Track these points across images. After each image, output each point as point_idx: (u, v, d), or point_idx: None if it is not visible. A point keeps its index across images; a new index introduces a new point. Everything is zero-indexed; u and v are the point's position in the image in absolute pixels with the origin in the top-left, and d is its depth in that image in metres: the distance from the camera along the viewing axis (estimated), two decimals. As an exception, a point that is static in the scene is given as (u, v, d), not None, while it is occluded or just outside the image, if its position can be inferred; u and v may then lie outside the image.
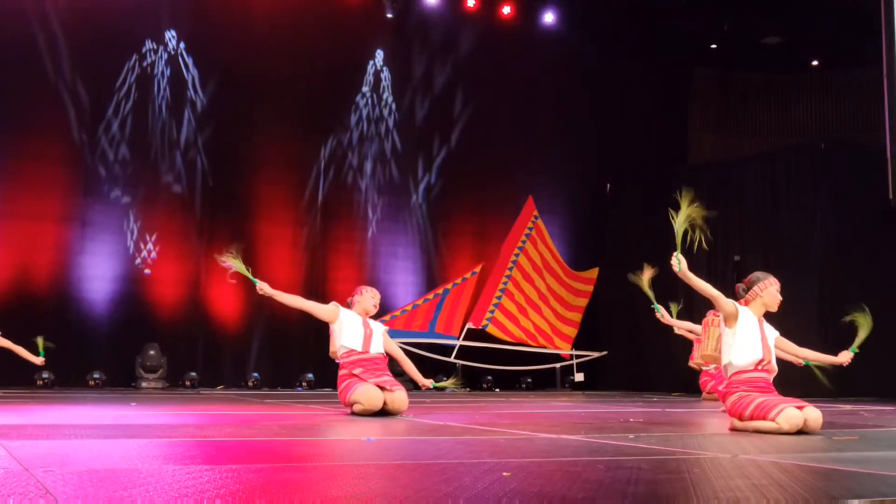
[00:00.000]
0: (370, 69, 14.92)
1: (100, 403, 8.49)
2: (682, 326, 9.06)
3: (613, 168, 15.97)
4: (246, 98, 13.89)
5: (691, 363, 10.85)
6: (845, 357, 6.35)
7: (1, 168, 12.55)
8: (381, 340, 7.11)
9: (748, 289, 5.92)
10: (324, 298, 12.53)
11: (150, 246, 13.25)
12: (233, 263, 6.73)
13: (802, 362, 6.59)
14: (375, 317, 7.35)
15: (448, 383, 7.30)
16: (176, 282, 13.33)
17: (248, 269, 6.77)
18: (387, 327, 7.43)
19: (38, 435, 4.76)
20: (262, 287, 6.73)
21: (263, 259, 13.72)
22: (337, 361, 7.06)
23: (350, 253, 14.55)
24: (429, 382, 7.21)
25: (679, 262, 5.42)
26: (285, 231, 14.09)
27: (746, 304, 5.87)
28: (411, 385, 10.42)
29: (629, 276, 7.84)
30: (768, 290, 5.86)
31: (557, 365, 15.03)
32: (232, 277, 6.89)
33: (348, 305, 7.18)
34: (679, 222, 5.39)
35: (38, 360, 9.18)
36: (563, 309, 15.30)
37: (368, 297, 7.15)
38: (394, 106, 15.01)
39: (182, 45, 13.70)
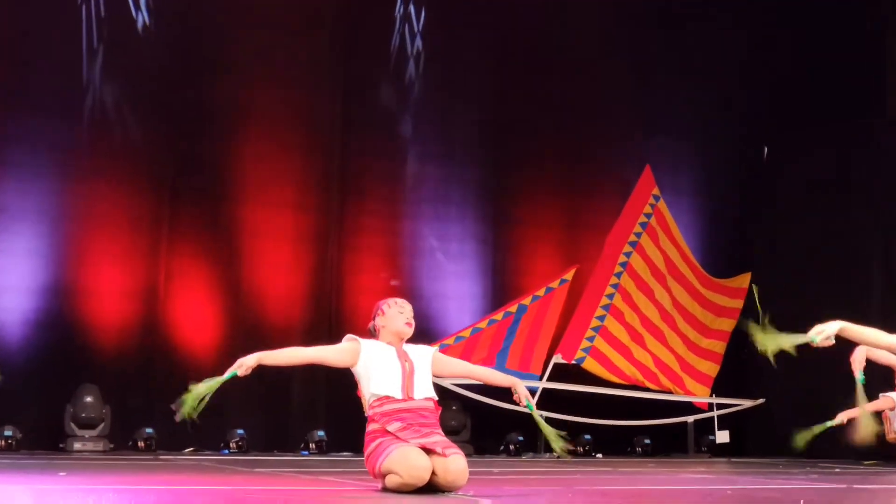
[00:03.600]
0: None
1: (13, 472, 8.68)
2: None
3: (770, 128, 16.16)
4: (226, 30, 14.16)
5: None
6: None
7: None
8: (427, 375, 7.01)
9: None
10: (338, 316, 12.57)
11: (82, 240, 13.31)
12: (191, 402, 6.77)
13: None
14: (413, 340, 7.13)
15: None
16: (123, 294, 13.43)
17: (211, 386, 6.86)
18: (436, 347, 7.41)
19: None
20: (242, 364, 6.81)
21: (250, 258, 13.82)
22: (367, 415, 7.05)
23: (377, 249, 14.67)
24: (528, 398, 7.07)
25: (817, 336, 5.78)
26: (283, 218, 14.15)
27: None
28: (472, 449, 10.03)
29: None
30: None
31: (690, 418, 15.10)
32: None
33: (371, 333, 7.14)
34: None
35: None
36: (699, 335, 15.39)
37: (396, 314, 7.09)
38: (445, 37, 15.17)
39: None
